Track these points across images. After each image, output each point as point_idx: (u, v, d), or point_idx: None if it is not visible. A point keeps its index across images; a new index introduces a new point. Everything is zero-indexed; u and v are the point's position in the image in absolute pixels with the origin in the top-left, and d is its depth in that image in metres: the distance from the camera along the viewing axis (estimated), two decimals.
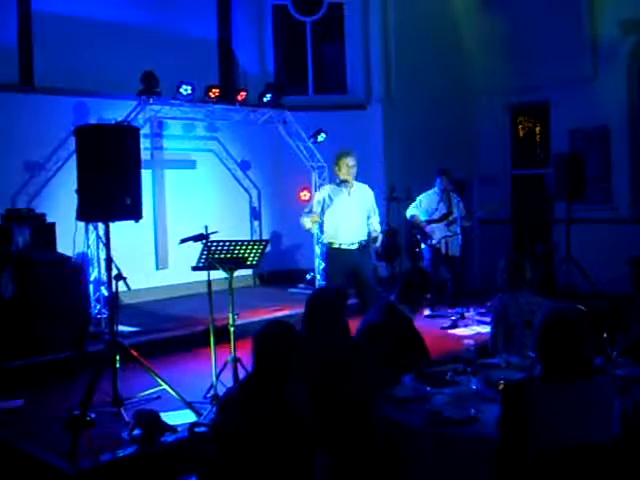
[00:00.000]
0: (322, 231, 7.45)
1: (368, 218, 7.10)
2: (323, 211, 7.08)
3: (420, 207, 8.60)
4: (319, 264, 9.74)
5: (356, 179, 7.15)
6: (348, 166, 6.99)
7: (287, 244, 10.76)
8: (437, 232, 8.50)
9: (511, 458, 2.82)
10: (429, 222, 8.52)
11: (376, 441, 3.47)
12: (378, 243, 7.18)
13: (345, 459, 3.54)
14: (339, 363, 3.84)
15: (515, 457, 2.80)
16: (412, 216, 8.61)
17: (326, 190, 7.19)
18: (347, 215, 6.99)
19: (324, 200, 7.08)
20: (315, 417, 3.26)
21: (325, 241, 7.12)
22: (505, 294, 4.95)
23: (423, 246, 8.71)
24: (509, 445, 2.83)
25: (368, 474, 3.47)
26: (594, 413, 2.82)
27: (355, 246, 6.98)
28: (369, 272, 7.17)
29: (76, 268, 6.97)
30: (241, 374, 5.13)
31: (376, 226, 7.14)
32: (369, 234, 7.04)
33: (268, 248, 5.83)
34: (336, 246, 6.98)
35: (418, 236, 8.72)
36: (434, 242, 8.48)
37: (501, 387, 3.38)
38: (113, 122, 7.17)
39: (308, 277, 9.91)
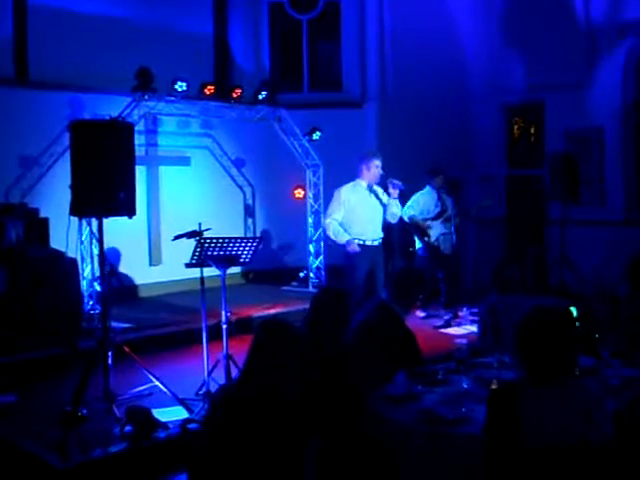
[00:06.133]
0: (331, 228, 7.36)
1: (384, 214, 7.20)
2: (347, 211, 7.11)
3: (417, 207, 8.60)
4: (313, 262, 9.73)
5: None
6: (377, 167, 7.18)
7: (280, 242, 10.75)
8: (434, 230, 8.53)
9: (498, 458, 2.81)
10: (426, 220, 8.54)
11: (368, 439, 3.47)
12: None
13: (337, 453, 3.54)
14: (334, 362, 3.84)
15: (502, 457, 2.79)
16: (411, 217, 8.59)
17: (346, 191, 7.19)
18: (371, 212, 7.14)
19: (348, 201, 7.12)
20: (309, 415, 3.26)
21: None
22: (495, 295, 5.02)
23: (419, 245, 8.69)
24: (496, 445, 2.83)
25: (361, 472, 3.47)
26: (583, 413, 2.81)
27: (377, 242, 7.16)
28: (383, 271, 7.26)
29: (69, 264, 6.95)
30: (233, 371, 5.13)
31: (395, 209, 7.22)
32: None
33: (261, 245, 5.84)
34: (360, 243, 7.05)
35: (415, 236, 8.72)
36: (432, 240, 8.50)
37: (492, 388, 3.39)
38: (108, 118, 7.14)
39: (301, 275, 9.90)
